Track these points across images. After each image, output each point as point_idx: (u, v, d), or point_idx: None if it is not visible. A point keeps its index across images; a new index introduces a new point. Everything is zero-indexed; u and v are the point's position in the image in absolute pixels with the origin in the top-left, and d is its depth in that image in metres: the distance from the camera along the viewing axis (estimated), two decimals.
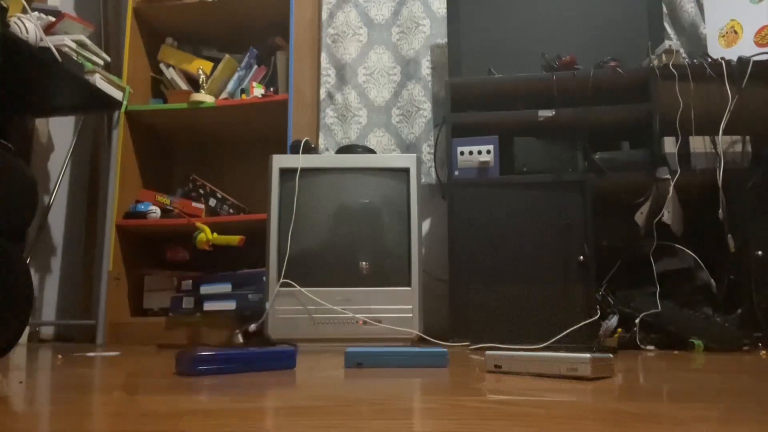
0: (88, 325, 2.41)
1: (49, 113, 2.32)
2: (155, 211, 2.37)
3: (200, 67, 2.54)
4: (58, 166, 2.58)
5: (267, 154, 2.72)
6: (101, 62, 2.19)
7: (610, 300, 1.93)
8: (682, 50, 2.43)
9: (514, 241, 2.01)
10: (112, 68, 2.62)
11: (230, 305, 2.21)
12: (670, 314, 1.78)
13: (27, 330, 2.37)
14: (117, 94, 2.26)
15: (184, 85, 2.62)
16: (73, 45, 2.03)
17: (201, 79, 2.45)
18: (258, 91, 2.42)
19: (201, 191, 2.45)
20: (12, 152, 1.14)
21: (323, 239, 1.99)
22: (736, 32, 2.19)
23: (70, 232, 2.69)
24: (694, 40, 2.46)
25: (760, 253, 1.87)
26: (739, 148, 1.98)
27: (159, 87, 2.71)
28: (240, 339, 2.07)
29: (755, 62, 1.96)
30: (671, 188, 1.97)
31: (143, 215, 2.35)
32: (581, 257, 1.97)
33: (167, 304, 2.44)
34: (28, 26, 1.80)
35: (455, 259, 2.02)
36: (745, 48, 2.15)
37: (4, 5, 1.72)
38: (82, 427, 0.53)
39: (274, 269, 1.96)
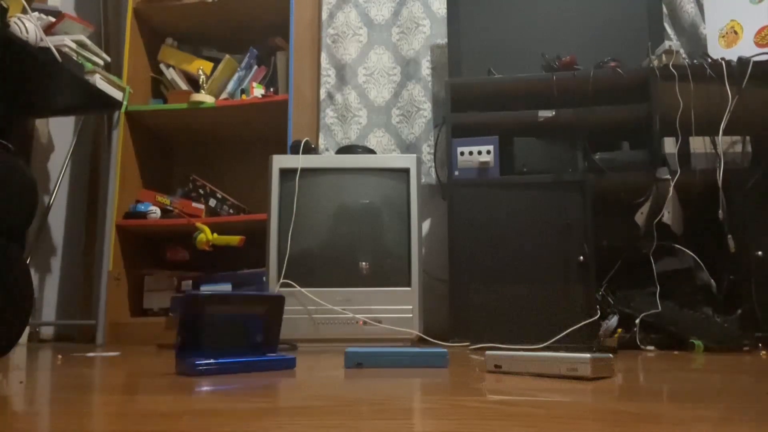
0: (88, 325, 2.41)
1: (49, 113, 2.32)
2: (155, 211, 2.37)
3: (200, 67, 2.54)
4: (58, 166, 2.58)
5: (267, 154, 2.72)
6: (101, 62, 2.19)
7: (610, 300, 1.93)
8: (682, 50, 2.43)
9: (514, 241, 2.01)
10: (112, 68, 2.62)
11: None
12: (670, 314, 1.78)
13: (27, 330, 2.37)
14: (117, 94, 2.26)
15: (184, 86, 2.62)
16: (73, 45, 2.03)
17: (201, 80, 2.45)
18: (258, 91, 2.42)
19: (201, 191, 2.45)
20: (12, 152, 1.14)
21: (323, 239, 1.99)
22: (736, 32, 2.19)
23: (70, 232, 2.69)
24: (694, 40, 2.46)
25: (760, 253, 1.87)
26: (739, 148, 1.98)
27: (159, 87, 2.71)
28: None
29: (755, 62, 1.96)
30: (671, 188, 1.97)
31: (143, 215, 2.35)
32: (581, 257, 1.97)
33: (167, 304, 2.44)
34: (28, 26, 1.80)
35: (455, 259, 2.02)
36: (745, 48, 2.15)
37: (4, 5, 1.72)
38: (82, 427, 0.53)
39: (274, 269, 1.96)
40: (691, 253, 1.96)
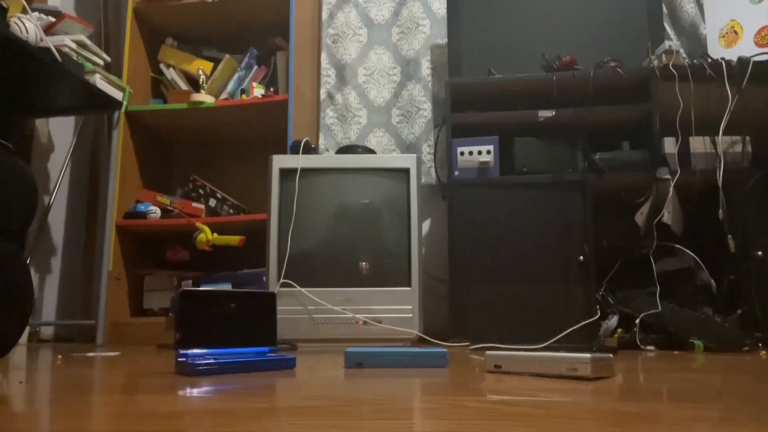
0: (88, 325, 2.41)
1: (49, 113, 2.32)
2: (155, 211, 2.37)
3: (200, 67, 2.54)
4: (58, 166, 2.58)
5: (267, 154, 2.72)
6: (101, 62, 2.19)
7: (610, 300, 1.93)
8: (682, 50, 2.43)
9: (514, 241, 2.01)
10: (112, 68, 2.62)
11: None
12: (670, 314, 1.78)
13: (27, 330, 2.37)
14: (117, 94, 2.26)
15: (184, 86, 2.62)
16: (73, 45, 2.03)
17: (201, 80, 2.45)
18: (258, 91, 2.42)
19: (201, 191, 2.45)
20: (12, 152, 1.14)
21: (323, 239, 1.99)
22: (736, 32, 2.19)
23: (70, 232, 2.69)
24: (694, 40, 2.46)
25: (760, 253, 1.87)
26: (739, 148, 1.98)
27: (159, 87, 2.71)
28: None
29: (755, 62, 1.96)
30: (671, 188, 1.97)
31: (143, 215, 2.35)
32: (581, 257, 1.97)
33: (167, 304, 2.44)
34: (28, 26, 1.80)
35: (455, 259, 2.02)
36: (745, 48, 2.15)
37: (4, 5, 1.72)
38: (82, 427, 0.53)
39: (274, 269, 1.96)
40: (691, 253, 1.96)
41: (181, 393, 0.77)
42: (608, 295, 1.95)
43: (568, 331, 1.89)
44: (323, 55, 2.74)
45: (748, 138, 1.98)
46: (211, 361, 1.01)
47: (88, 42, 2.12)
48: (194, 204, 2.40)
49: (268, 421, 0.56)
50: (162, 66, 2.64)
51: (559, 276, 1.97)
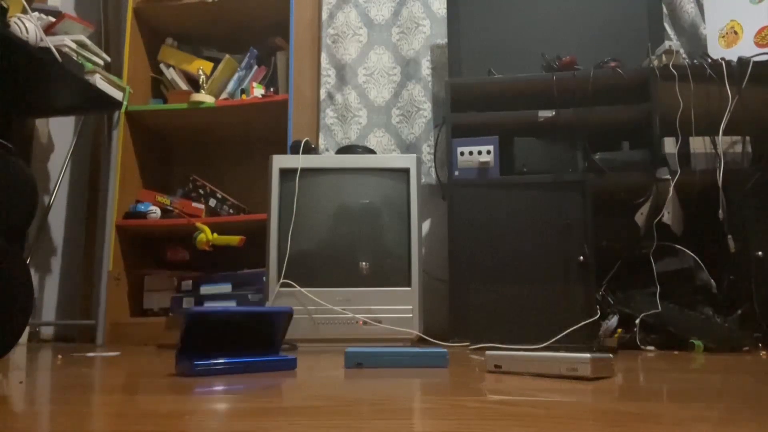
0: (88, 325, 2.41)
1: (49, 113, 2.32)
2: (155, 211, 2.37)
3: (200, 67, 2.54)
4: (58, 166, 2.58)
5: (267, 154, 2.72)
6: (101, 62, 2.19)
7: (610, 300, 1.93)
8: (682, 50, 2.43)
9: (514, 241, 2.01)
10: (112, 68, 2.62)
11: (230, 305, 2.21)
12: (670, 314, 1.78)
13: (27, 330, 2.37)
14: (117, 94, 2.26)
15: (184, 86, 2.62)
16: (73, 45, 2.03)
17: (201, 80, 2.45)
18: (258, 91, 2.42)
19: (201, 191, 2.45)
20: (12, 152, 1.14)
21: (323, 239, 1.99)
22: (736, 33, 2.19)
23: (70, 232, 2.69)
24: (694, 40, 2.46)
25: (760, 253, 1.87)
26: (739, 148, 1.98)
27: (159, 87, 2.71)
28: None
29: (755, 63, 1.96)
30: (671, 188, 1.97)
31: (143, 215, 2.35)
32: (581, 257, 1.97)
33: (167, 304, 2.44)
34: (28, 26, 1.80)
35: (455, 259, 2.02)
36: (745, 48, 2.15)
37: (4, 5, 1.72)
38: (82, 427, 0.53)
39: (274, 269, 1.96)
40: (691, 253, 1.96)
41: (181, 393, 0.77)
42: (608, 295, 1.95)
43: (568, 331, 1.89)
44: (323, 55, 2.74)
45: (748, 138, 1.98)
46: (211, 361, 1.00)
47: (88, 42, 2.12)
48: (194, 204, 2.40)
49: (268, 421, 0.56)
50: (162, 66, 2.64)
51: (559, 276, 1.97)
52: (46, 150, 2.56)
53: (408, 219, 2.00)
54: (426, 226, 2.61)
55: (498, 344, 1.86)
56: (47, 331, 2.59)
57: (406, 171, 2.02)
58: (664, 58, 2.07)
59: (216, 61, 2.59)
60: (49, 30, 2.01)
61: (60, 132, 2.63)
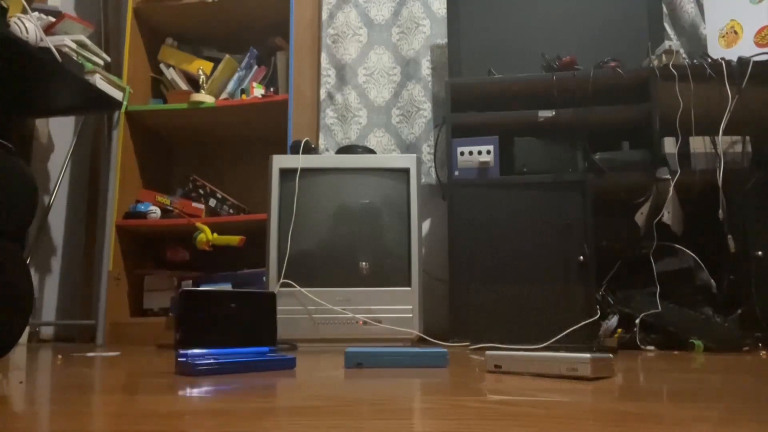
0: (88, 325, 2.41)
1: (49, 113, 2.32)
2: (155, 211, 2.37)
3: (200, 67, 2.54)
4: (58, 166, 2.58)
5: (267, 154, 2.72)
6: (101, 62, 2.19)
7: (610, 300, 1.93)
8: (682, 50, 2.43)
9: (514, 241, 2.01)
10: (112, 68, 2.62)
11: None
12: (670, 314, 1.78)
13: (27, 330, 2.37)
14: (117, 94, 2.26)
15: (184, 86, 2.62)
16: (73, 45, 2.03)
17: (201, 80, 2.45)
18: (258, 91, 2.42)
19: (201, 191, 2.45)
20: (12, 152, 1.14)
21: (323, 239, 1.99)
22: (736, 32, 2.19)
23: (70, 232, 2.69)
24: (694, 40, 2.46)
25: (760, 253, 1.87)
26: (739, 148, 1.98)
27: (159, 87, 2.71)
28: None
29: (755, 62, 1.96)
30: (671, 188, 1.97)
31: (143, 215, 2.35)
32: (581, 257, 1.97)
33: (167, 304, 2.44)
34: (28, 26, 1.80)
35: (455, 259, 2.02)
36: (745, 48, 2.15)
37: (4, 5, 1.72)
38: (82, 427, 0.53)
39: (274, 269, 1.96)
40: (691, 253, 1.96)
41: (181, 393, 0.77)
42: (608, 295, 1.95)
43: (568, 331, 1.89)
44: (323, 55, 2.74)
45: (748, 138, 1.98)
46: (211, 361, 1.01)
47: (88, 42, 2.12)
48: (194, 204, 2.40)
49: (268, 421, 0.56)
50: (162, 66, 2.64)
51: (559, 276, 1.97)
52: (46, 150, 2.56)
53: (408, 219, 2.00)
54: (426, 226, 2.61)
55: (498, 344, 1.86)
56: (47, 331, 2.59)
57: (406, 171, 2.02)
58: (664, 58, 2.07)
59: (216, 61, 2.59)
60: (49, 30, 2.01)
61: (60, 132, 2.63)
